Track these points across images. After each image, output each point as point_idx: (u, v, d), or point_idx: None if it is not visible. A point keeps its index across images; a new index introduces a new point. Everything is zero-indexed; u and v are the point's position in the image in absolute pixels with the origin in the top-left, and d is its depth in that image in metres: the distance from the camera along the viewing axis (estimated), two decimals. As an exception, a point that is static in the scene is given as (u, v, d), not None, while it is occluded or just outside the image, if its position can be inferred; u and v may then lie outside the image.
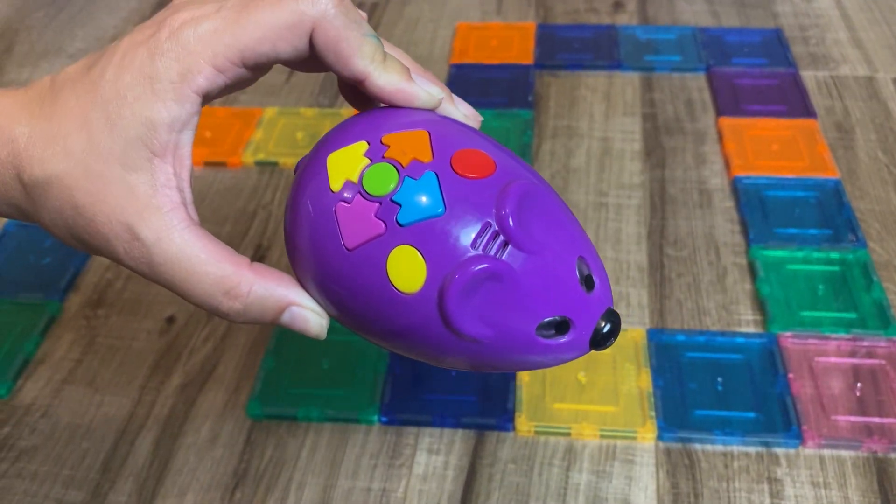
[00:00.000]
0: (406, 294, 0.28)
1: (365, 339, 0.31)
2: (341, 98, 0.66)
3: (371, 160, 0.29)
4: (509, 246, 0.28)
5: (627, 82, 0.67)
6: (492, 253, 0.28)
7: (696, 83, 0.66)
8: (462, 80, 0.67)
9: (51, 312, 0.50)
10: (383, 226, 0.28)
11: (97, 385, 0.46)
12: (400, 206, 0.28)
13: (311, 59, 0.31)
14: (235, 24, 0.29)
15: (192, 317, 0.50)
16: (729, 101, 0.63)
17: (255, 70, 0.31)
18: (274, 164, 0.60)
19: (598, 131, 0.62)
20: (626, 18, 0.74)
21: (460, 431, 0.43)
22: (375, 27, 0.75)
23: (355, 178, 0.29)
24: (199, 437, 0.43)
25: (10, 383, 0.46)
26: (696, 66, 0.67)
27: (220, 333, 0.49)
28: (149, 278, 0.30)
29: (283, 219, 0.32)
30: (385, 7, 0.78)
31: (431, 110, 0.32)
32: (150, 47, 0.29)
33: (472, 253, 0.28)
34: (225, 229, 0.55)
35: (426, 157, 0.29)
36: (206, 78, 0.29)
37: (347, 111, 0.64)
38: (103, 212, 0.29)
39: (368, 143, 0.30)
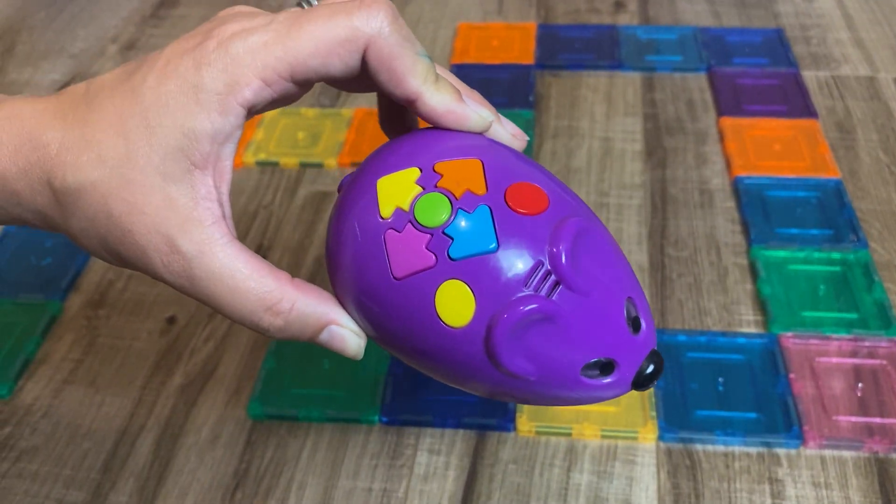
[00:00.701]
0: (453, 328, 0.28)
1: (398, 357, 0.31)
2: (342, 98, 0.66)
3: (424, 188, 0.29)
4: (560, 286, 0.28)
5: (628, 82, 0.67)
6: (543, 293, 0.27)
7: (698, 83, 0.66)
8: (463, 80, 0.66)
9: (52, 313, 0.50)
10: (434, 258, 0.28)
11: (98, 385, 0.46)
12: (452, 239, 0.28)
13: (358, 79, 0.30)
14: (287, 37, 0.28)
15: (192, 317, 0.50)
16: (730, 101, 0.63)
17: (303, 86, 0.30)
18: (275, 165, 0.60)
19: (599, 131, 0.62)
20: (628, 18, 0.74)
21: (461, 432, 0.43)
22: (376, 27, 0.75)
23: (406, 207, 0.28)
24: (199, 438, 0.43)
25: (11, 383, 0.46)
26: (698, 66, 0.67)
27: (220, 334, 0.49)
28: (187, 293, 0.30)
29: (327, 235, 0.31)
30: (386, 7, 0.78)
31: (480, 133, 0.31)
32: (196, 57, 0.28)
33: (524, 292, 0.27)
34: (226, 229, 0.55)
35: (480, 189, 0.28)
36: (253, 91, 0.28)
37: (347, 111, 0.64)
38: (141, 222, 0.29)
39: (421, 170, 0.29)
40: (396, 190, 0.29)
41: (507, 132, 0.32)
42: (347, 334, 0.31)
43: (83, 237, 0.30)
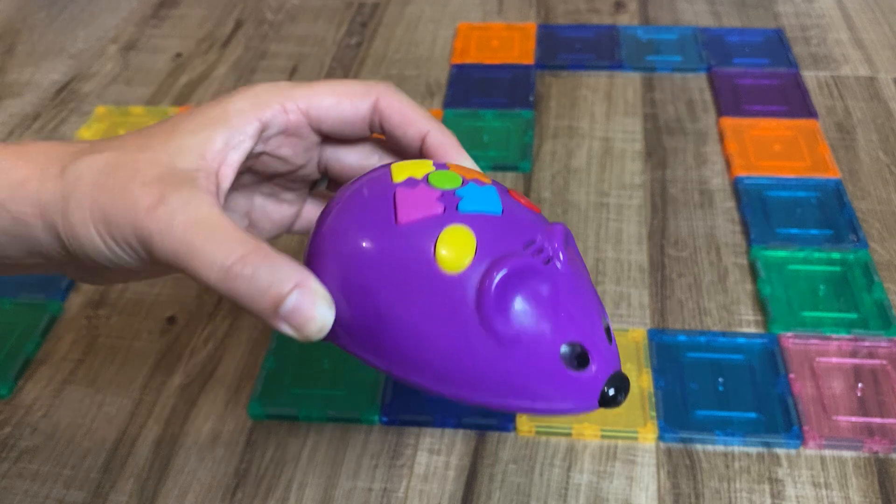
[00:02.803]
0: (448, 273, 0.28)
1: (361, 355, 0.30)
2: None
3: (436, 168, 0.32)
4: (552, 261, 0.29)
5: (628, 82, 0.67)
6: (539, 260, 0.29)
7: (698, 83, 0.66)
8: (463, 81, 0.67)
9: (52, 312, 0.50)
10: (443, 208, 0.29)
11: (98, 385, 0.46)
12: (462, 198, 0.29)
13: (382, 124, 0.35)
14: (308, 84, 0.34)
15: (193, 317, 0.50)
16: (730, 101, 0.63)
17: (314, 127, 0.35)
18: (275, 165, 0.60)
19: (599, 131, 0.62)
20: (628, 19, 0.74)
21: (461, 432, 0.43)
22: (376, 28, 0.75)
23: (419, 177, 0.31)
24: (200, 438, 0.43)
25: (11, 383, 0.46)
26: (698, 66, 0.67)
27: (221, 333, 0.49)
28: (163, 247, 0.29)
29: (318, 225, 0.32)
30: (386, 7, 0.78)
31: None
32: (221, 101, 0.33)
33: (523, 250, 0.29)
34: (226, 229, 0.55)
35: (487, 181, 0.31)
36: (272, 111, 0.33)
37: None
38: (138, 170, 0.30)
39: (434, 164, 0.32)
40: (410, 168, 0.31)
41: None
42: (316, 300, 0.28)
43: (82, 225, 0.30)
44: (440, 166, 0.32)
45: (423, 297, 0.28)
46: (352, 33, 0.75)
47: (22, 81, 0.71)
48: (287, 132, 0.34)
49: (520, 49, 0.70)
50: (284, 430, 0.44)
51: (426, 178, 0.30)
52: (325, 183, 0.40)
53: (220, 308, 0.50)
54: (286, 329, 0.29)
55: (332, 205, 0.32)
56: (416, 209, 0.29)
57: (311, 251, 0.31)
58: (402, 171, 0.31)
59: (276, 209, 0.39)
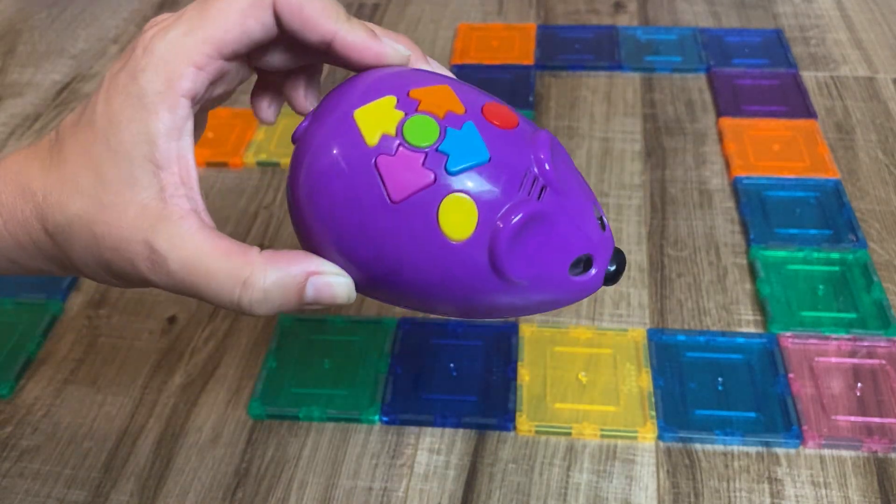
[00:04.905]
0: (456, 241, 0.29)
1: (384, 298, 0.32)
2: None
3: (406, 113, 0.29)
4: (547, 189, 0.29)
5: (628, 83, 0.67)
6: (534, 197, 0.29)
7: (697, 84, 0.66)
8: (463, 81, 0.67)
9: (53, 312, 0.50)
10: (433, 175, 0.28)
11: (99, 385, 0.46)
12: (447, 155, 0.28)
13: (284, 42, 0.31)
14: (200, 20, 0.30)
15: (193, 317, 0.50)
16: (729, 101, 0.63)
17: (235, 59, 0.31)
18: (275, 165, 0.60)
19: (599, 132, 0.62)
20: (627, 19, 0.74)
21: (461, 431, 0.43)
22: (376, 28, 0.75)
23: (393, 132, 0.29)
24: (200, 437, 0.44)
25: (12, 383, 0.46)
26: (697, 66, 0.67)
27: (221, 333, 0.49)
28: (175, 290, 0.31)
29: (296, 186, 0.31)
30: (386, 7, 0.78)
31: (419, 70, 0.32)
32: (129, 69, 0.30)
33: (519, 197, 0.29)
34: (227, 230, 0.55)
35: (459, 109, 0.30)
36: (189, 79, 0.30)
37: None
38: (122, 237, 0.30)
39: (396, 98, 0.29)
40: (377, 118, 0.29)
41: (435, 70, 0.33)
42: (332, 279, 0.30)
43: (86, 269, 0.32)
44: (405, 103, 0.29)
45: (435, 265, 0.29)
46: (352, 34, 0.75)
47: (23, 82, 0.71)
48: (214, 80, 0.31)
49: (520, 49, 0.70)
50: (285, 429, 0.44)
51: (401, 134, 0.29)
52: None
53: (220, 308, 0.50)
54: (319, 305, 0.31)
55: (302, 190, 0.30)
56: (405, 182, 0.28)
57: (307, 235, 0.31)
58: (371, 125, 0.29)
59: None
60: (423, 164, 0.28)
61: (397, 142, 0.29)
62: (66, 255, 0.32)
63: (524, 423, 0.43)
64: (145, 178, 0.30)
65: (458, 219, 0.28)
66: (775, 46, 0.69)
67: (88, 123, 0.30)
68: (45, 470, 0.42)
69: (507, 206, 0.28)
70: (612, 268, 0.32)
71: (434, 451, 0.42)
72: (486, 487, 0.41)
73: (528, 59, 0.69)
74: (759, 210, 0.54)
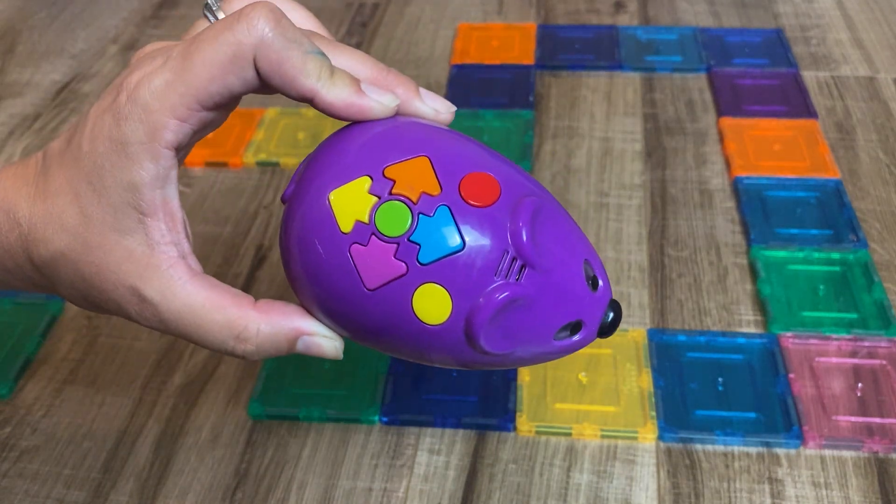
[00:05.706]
0: (432, 326, 0.29)
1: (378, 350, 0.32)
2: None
3: (379, 197, 0.29)
4: (526, 268, 0.29)
5: (628, 83, 0.67)
6: (512, 279, 0.29)
7: (697, 83, 0.66)
8: (463, 81, 0.67)
9: (52, 312, 0.50)
10: (405, 266, 0.28)
11: (98, 385, 0.46)
12: (419, 245, 0.28)
13: (269, 86, 0.31)
14: (183, 71, 0.29)
15: (193, 317, 0.50)
16: (730, 101, 0.63)
17: (218, 108, 0.31)
18: (275, 165, 0.60)
19: (599, 132, 0.62)
20: (627, 19, 0.74)
21: (461, 431, 0.43)
22: (376, 28, 0.75)
23: (366, 219, 0.29)
24: (200, 437, 0.44)
25: (12, 383, 0.46)
26: (697, 66, 0.67)
27: (221, 333, 0.49)
28: (166, 333, 0.31)
29: (283, 249, 0.31)
30: (386, 7, 0.78)
31: (423, 121, 0.32)
32: (113, 113, 0.30)
33: (496, 282, 0.29)
34: (226, 230, 0.55)
35: (434, 189, 0.29)
36: (172, 131, 0.29)
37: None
38: (109, 280, 0.31)
39: (371, 178, 0.29)
40: (351, 202, 0.29)
41: (430, 108, 0.32)
42: (321, 341, 0.31)
43: (72, 299, 0.33)
44: (380, 185, 0.29)
45: (416, 342, 0.30)
46: (352, 33, 0.75)
47: (22, 81, 0.71)
48: (200, 130, 0.31)
49: (520, 49, 0.70)
50: (284, 430, 0.44)
51: (374, 223, 0.28)
52: None
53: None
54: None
55: (290, 256, 0.31)
56: (378, 273, 0.29)
57: (297, 293, 0.31)
58: (345, 210, 0.29)
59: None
60: (395, 255, 0.28)
61: (370, 231, 0.29)
62: (53, 287, 0.33)
63: (524, 424, 0.43)
64: (130, 224, 0.30)
65: (432, 307, 0.29)
66: (776, 46, 0.69)
67: (74, 160, 0.31)
68: (45, 470, 0.42)
69: (481, 293, 0.29)
70: (608, 319, 0.32)
71: (434, 452, 0.42)
72: (486, 488, 0.41)
73: (529, 59, 0.69)
74: (760, 210, 0.54)
